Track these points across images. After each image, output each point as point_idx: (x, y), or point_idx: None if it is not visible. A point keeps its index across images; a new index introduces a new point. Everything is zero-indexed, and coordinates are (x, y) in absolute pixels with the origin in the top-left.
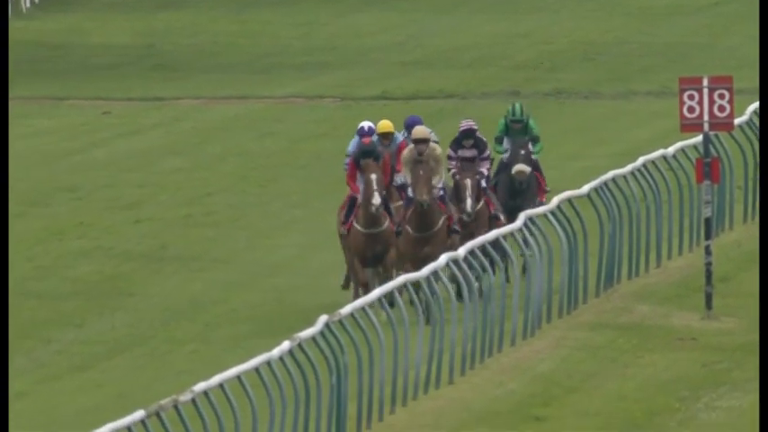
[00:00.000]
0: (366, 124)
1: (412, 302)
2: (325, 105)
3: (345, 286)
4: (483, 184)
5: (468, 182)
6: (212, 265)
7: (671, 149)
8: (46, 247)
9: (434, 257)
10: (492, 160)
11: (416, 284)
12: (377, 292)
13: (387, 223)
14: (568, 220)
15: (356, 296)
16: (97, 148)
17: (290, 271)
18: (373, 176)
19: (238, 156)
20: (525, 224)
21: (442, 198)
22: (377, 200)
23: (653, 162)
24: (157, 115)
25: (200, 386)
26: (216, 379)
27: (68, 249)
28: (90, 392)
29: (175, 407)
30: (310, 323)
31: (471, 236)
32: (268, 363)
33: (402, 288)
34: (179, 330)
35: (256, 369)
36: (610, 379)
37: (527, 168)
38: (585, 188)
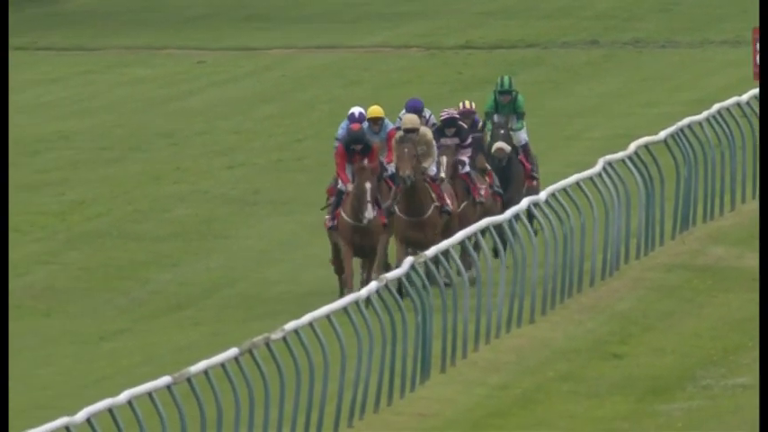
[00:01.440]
0: (357, 110)
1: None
2: (411, 54)
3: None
4: (466, 169)
5: (444, 158)
6: (303, 209)
7: (744, 97)
8: (143, 190)
9: (425, 245)
10: (481, 141)
11: (499, 228)
12: (460, 234)
13: (375, 215)
14: (645, 166)
15: (345, 288)
16: (193, 95)
17: None
18: (368, 185)
19: (327, 103)
20: (604, 169)
21: (434, 179)
22: (370, 213)
23: (727, 109)
24: (249, 64)
25: (290, 325)
26: (306, 318)
27: (165, 193)
28: (186, 331)
29: (267, 345)
30: (398, 264)
31: (455, 231)
32: (356, 302)
33: (485, 231)
34: (271, 272)
35: (345, 308)
36: (685, 318)
37: (506, 147)
38: (662, 134)
